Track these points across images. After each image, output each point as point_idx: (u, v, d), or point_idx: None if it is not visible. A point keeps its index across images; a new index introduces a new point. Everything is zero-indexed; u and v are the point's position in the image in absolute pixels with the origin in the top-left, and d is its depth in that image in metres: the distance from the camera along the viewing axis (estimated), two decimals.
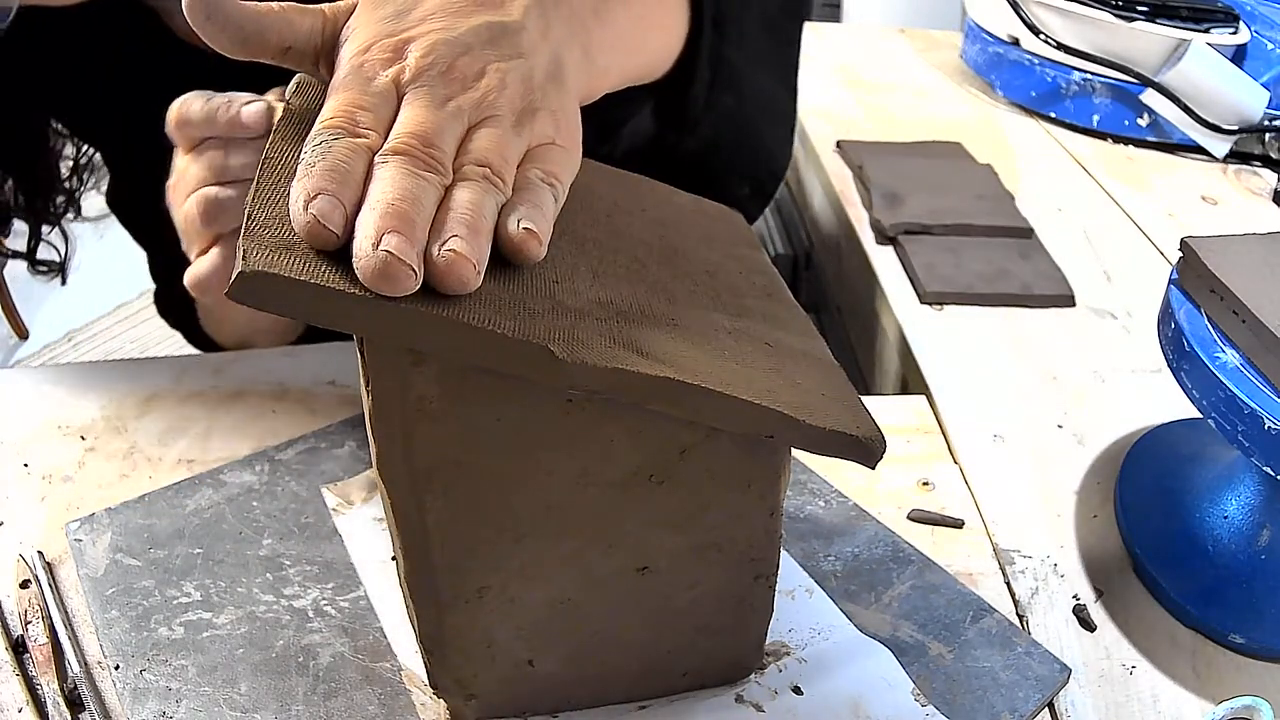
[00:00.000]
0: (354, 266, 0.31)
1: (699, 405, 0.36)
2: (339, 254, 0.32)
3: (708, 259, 0.46)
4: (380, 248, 0.31)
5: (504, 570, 0.39)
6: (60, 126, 0.71)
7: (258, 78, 0.48)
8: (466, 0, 0.39)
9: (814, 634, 0.48)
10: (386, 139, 0.35)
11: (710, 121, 0.60)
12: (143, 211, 0.67)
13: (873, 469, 0.39)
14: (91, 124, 0.70)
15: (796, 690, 0.46)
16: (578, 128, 0.41)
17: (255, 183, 0.34)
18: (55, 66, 0.63)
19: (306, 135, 0.38)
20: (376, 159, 0.34)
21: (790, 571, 0.52)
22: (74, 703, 0.44)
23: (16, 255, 0.73)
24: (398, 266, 0.31)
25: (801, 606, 0.50)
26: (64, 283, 0.78)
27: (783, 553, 0.45)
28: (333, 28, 0.39)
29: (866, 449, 0.38)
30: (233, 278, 0.30)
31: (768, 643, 0.47)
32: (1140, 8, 1.03)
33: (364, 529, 0.53)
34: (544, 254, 0.35)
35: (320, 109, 0.39)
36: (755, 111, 0.65)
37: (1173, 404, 0.67)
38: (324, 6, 0.40)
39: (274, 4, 0.39)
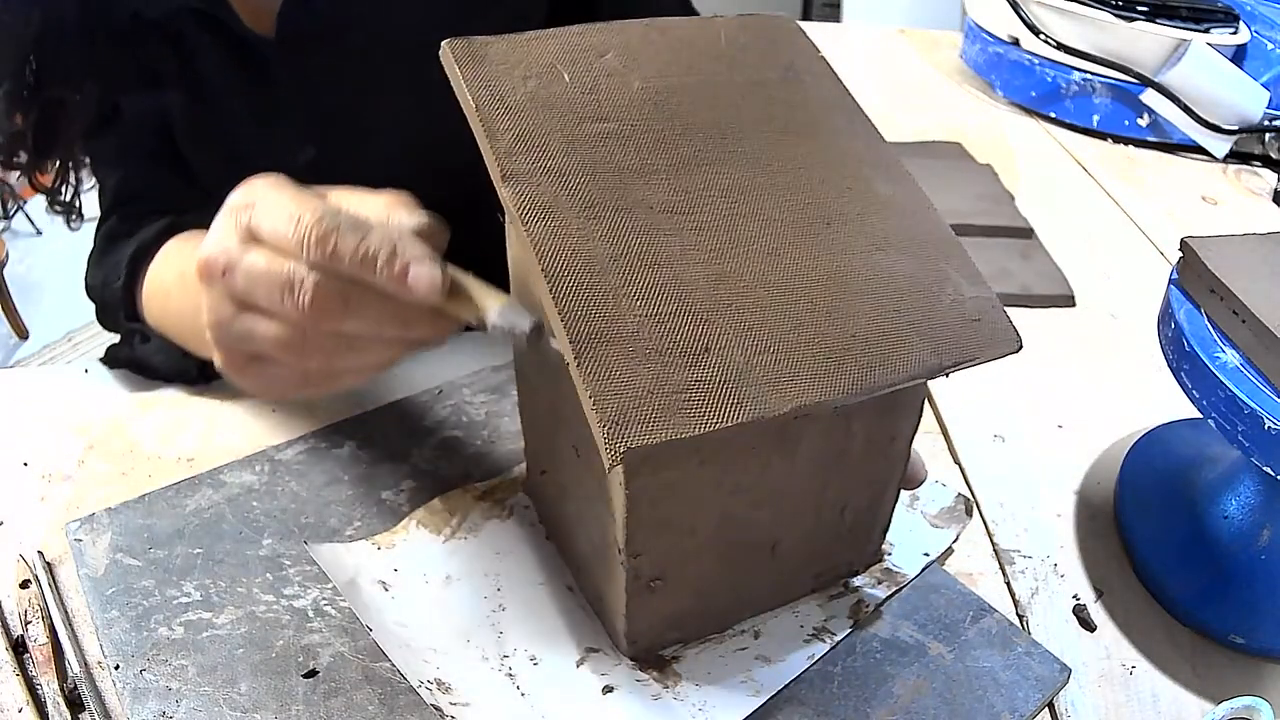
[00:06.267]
0: None
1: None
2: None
3: (802, 155, 0.46)
4: None
5: (675, 567, 0.43)
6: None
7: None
8: None
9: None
10: None
11: None
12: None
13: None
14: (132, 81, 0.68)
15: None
16: None
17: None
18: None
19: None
20: None
21: None
22: (74, 703, 0.44)
23: (42, 190, 0.72)
24: None
25: None
26: (81, 218, 0.76)
27: None
28: None
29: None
30: (614, 454, 0.34)
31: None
32: (1140, 8, 1.03)
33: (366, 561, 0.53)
34: None
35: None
36: None
37: (1173, 404, 0.67)
38: None
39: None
